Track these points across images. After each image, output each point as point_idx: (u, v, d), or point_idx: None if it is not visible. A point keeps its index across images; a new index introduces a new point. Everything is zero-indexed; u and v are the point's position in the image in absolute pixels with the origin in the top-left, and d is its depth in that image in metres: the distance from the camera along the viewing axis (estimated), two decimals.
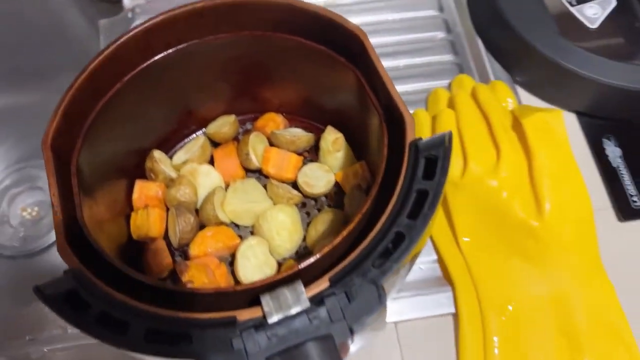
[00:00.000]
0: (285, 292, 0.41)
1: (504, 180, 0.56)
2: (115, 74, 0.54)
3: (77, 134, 0.51)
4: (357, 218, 0.45)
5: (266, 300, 0.40)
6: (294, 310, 0.39)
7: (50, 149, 0.47)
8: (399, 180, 0.44)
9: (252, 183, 0.61)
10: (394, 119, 0.49)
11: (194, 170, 0.61)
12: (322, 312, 0.39)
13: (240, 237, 0.58)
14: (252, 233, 0.59)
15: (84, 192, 0.49)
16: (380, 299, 0.40)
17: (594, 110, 0.65)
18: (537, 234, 0.55)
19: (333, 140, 0.60)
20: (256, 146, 0.62)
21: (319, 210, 0.61)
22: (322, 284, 0.41)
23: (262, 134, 0.64)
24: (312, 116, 0.66)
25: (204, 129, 0.67)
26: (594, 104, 0.65)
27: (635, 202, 0.59)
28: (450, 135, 0.45)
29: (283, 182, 0.61)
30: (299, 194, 0.59)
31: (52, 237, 0.63)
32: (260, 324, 0.39)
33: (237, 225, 0.60)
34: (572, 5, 0.70)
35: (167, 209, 0.61)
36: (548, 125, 0.58)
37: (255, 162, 0.61)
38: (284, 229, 0.56)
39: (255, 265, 0.55)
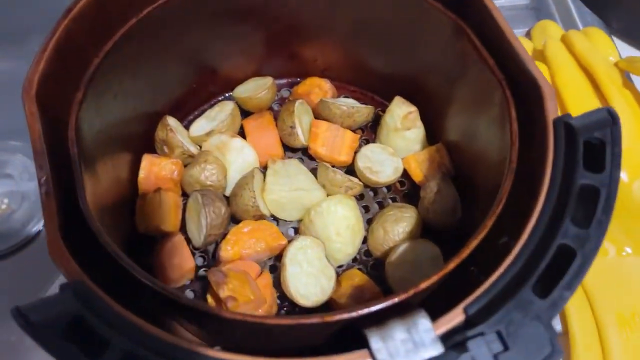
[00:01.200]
0: (401, 329, 0.28)
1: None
2: (129, 4, 0.39)
3: (77, 83, 0.36)
4: (490, 221, 0.32)
5: (376, 340, 0.27)
6: (421, 358, 0.27)
7: (36, 100, 0.32)
8: (546, 171, 0.32)
9: (297, 165, 0.47)
10: (519, 86, 0.36)
11: (222, 145, 0.46)
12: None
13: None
14: (296, 232, 0.46)
15: (86, 167, 0.35)
16: (553, 346, 0.27)
17: None
18: None
19: (404, 115, 0.47)
20: (302, 118, 0.48)
21: (381, 204, 0.47)
22: (455, 317, 0.28)
23: (306, 103, 0.50)
24: (367, 84, 0.53)
25: (229, 93, 0.52)
26: None
27: None
28: (614, 111, 0.33)
29: (334, 166, 0.47)
30: (360, 183, 0.46)
31: (27, 233, 0.47)
32: None
33: (275, 220, 0.46)
34: None
35: (184, 195, 0.46)
36: None
37: (301, 138, 0.47)
38: (346, 228, 0.43)
39: (309, 274, 0.41)
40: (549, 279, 0.29)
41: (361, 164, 0.46)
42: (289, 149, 0.49)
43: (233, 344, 0.33)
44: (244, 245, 0.42)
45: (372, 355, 0.27)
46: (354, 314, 0.29)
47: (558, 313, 0.29)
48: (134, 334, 0.27)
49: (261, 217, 0.44)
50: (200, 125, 0.48)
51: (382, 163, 0.47)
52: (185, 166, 0.46)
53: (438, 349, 0.27)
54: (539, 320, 0.28)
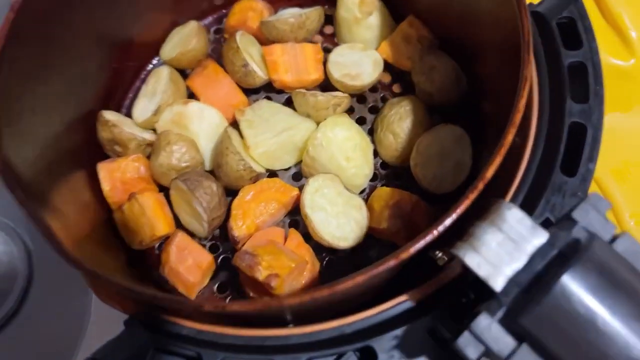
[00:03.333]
0: (491, 230, 0.23)
1: None
2: None
3: None
4: (520, 104, 0.27)
5: (470, 255, 0.23)
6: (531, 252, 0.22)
7: None
8: (527, 56, 0.27)
9: (269, 105, 0.40)
10: None
11: (178, 117, 0.39)
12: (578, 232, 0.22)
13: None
14: (299, 177, 0.40)
15: (40, 204, 0.28)
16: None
17: None
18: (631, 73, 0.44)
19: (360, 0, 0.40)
20: (250, 51, 0.41)
21: (375, 109, 0.42)
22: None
23: (247, 33, 0.42)
24: None
25: (156, 59, 0.44)
26: None
27: None
28: None
29: (309, 89, 0.41)
30: (346, 95, 0.39)
31: None
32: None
33: (275, 174, 0.40)
34: None
35: (162, 190, 0.40)
36: None
37: (260, 73, 0.40)
38: (354, 149, 0.37)
39: (337, 213, 0.36)
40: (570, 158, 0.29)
41: (336, 73, 0.40)
42: (251, 92, 0.42)
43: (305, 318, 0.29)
44: (254, 213, 0.36)
45: (473, 274, 0.23)
46: (432, 235, 0.24)
47: (589, 186, 0.29)
48: (219, 342, 0.23)
49: (257, 177, 0.38)
50: (142, 107, 0.41)
51: (358, 63, 0.41)
52: (148, 158, 0.39)
53: (543, 235, 0.23)
54: (576, 197, 0.26)
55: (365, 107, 0.42)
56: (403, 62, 0.41)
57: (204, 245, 0.38)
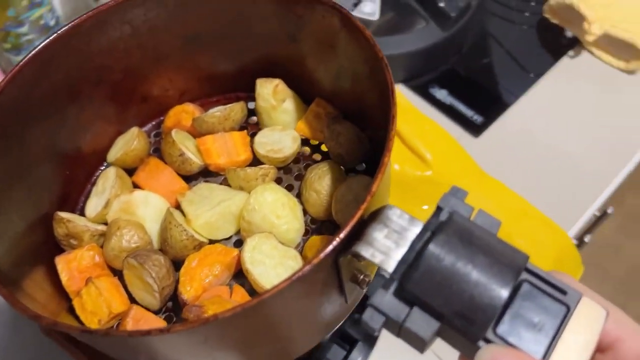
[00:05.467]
0: (377, 227, 0.28)
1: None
2: None
3: None
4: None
5: (364, 248, 0.28)
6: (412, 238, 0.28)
7: None
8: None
9: (206, 186, 0.46)
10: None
11: (125, 205, 0.44)
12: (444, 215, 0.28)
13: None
14: (240, 243, 0.45)
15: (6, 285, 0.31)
16: None
17: (407, 76, 0.77)
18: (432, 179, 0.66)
19: (272, 90, 0.48)
20: (185, 143, 0.47)
21: (300, 176, 0.48)
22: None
23: (181, 130, 0.49)
24: (225, 88, 0.53)
25: (104, 164, 0.50)
26: (404, 72, 0.77)
27: (476, 120, 0.73)
28: None
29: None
30: (271, 166, 0.46)
31: None
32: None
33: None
34: (351, 10, 0.76)
35: (116, 275, 0.43)
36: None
37: (195, 159, 0.47)
38: (282, 207, 0.43)
39: (275, 265, 0.40)
40: None
41: (262, 150, 0.47)
42: (190, 178, 0.48)
43: None
44: (200, 277, 0.40)
45: (371, 263, 0.27)
46: (338, 239, 0.28)
47: None
48: None
49: (200, 245, 0.42)
50: (93, 204, 0.46)
51: (279, 140, 0.47)
52: (101, 247, 0.43)
53: (419, 224, 0.28)
54: None
55: (292, 176, 0.48)
56: (317, 135, 0.48)
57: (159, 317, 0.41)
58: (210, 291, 0.40)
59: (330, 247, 0.28)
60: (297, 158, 0.49)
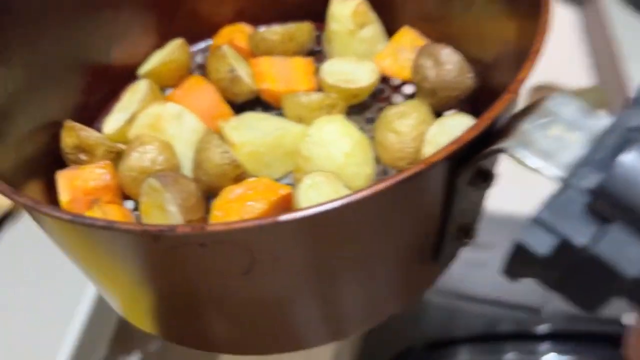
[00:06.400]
0: (538, 123, 0.18)
1: None
2: None
3: None
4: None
5: (526, 154, 0.18)
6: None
7: None
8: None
9: (256, 115, 0.37)
10: None
11: (155, 119, 0.35)
12: None
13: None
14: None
15: None
16: None
17: None
18: None
19: (352, 11, 0.39)
20: (237, 62, 0.38)
21: (372, 120, 0.38)
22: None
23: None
24: (291, 13, 0.43)
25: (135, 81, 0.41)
26: None
27: None
28: None
29: None
30: (339, 97, 0.36)
31: None
32: None
33: None
34: None
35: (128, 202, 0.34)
36: None
37: (247, 80, 0.37)
38: (353, 146, 0.33)
39: None
40: None
41: (330, 79, 0.37)
42: (236, 109, 0.39)
43: None
44: (238, 214, 0.30)
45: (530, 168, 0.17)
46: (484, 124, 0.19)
47: None
48: None
49: (242, 176, 0.33)
50: (115, 119, 0.37)
51: (353, 71, 0.38)
52: (117, 163, 0.34)
53: (603, 117, 0.18)
54: None
55: (363, 118, 0.38)
56: (401, 72, 0.39)
57: None
58: None
59: (459, 144, 0.19)
60: (372, 100, 0.39)
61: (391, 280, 0.26)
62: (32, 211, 0.22)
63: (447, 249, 0.26)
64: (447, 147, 0.20)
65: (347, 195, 0.19)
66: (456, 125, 0.33)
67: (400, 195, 0.21)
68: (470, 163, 0.21)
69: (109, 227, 0.19)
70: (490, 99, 0.35)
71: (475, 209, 0.26)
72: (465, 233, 0.25)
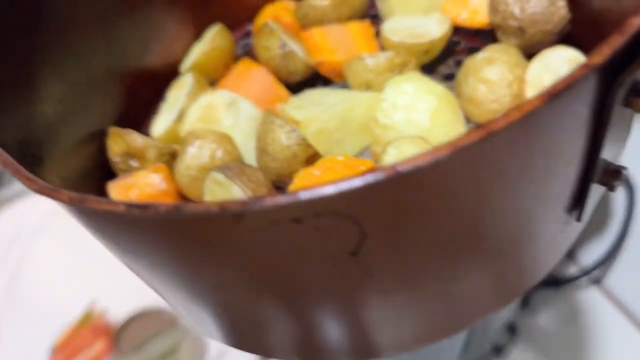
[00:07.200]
0: None
1: None
2: None
3: None
4: None
5: None
6: None
7: None
8: None
9: (315, 92, 0.32)
10: None
11: (207, 111, 0.31)
12: None
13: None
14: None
15: None
16: None
17: None
18: None
19: None
20: (287, 37, 0.34)
21: (451, 77, 0.33)
22: None
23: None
24: None
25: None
26: None
27: None
28: None
29: None
30: (408, 55, 0.31)
31: None
32: None
33: None
34: None
35: None
36: None
37: (302, 55, 0.33)
38: (439, 102, 0.28)
39: None
40: None
41: (395, 37, 0.32)
42: (291, 89, 0.34)
43: None
44: None
45: None
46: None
47: None
48: None
49: (315, 156, 0.28)
50: (163, 119, 0.33)
51: (419, 25, 0.33)
52: (171, 164, 0.30)
53: None
54: None
55: (439, 76, 0.33)
56: (474, 19, 0.33)
57: None
58: None
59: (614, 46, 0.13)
60: (445, 56, 0.34)
61: (526, 247, 0.21)
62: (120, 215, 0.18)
63: (590, 198, 0.20)
64: (600, 51, 0.15)
65: (481, 126, 0.14)
66: (560, 60, 0.27)
67: (541, 125, 0.16)
68: (627, 73, 0.16)
69: (175, 212, 0.14)
70: (590, 31, 0.30)
71: (622, 143, 0.21)
72: (612, 175, 0.20)
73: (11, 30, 0.28)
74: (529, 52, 0.30)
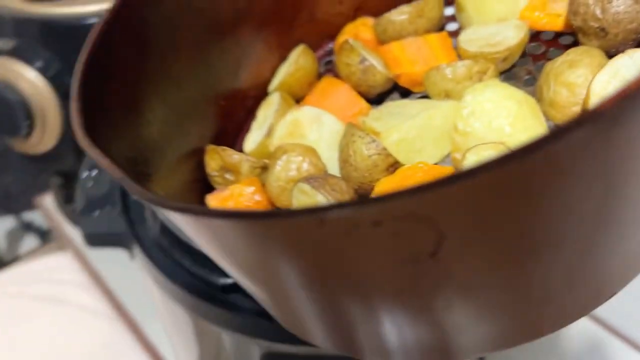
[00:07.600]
0: None
1: None
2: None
3: None
4: None
5: None
6: None
7: None
8: None
9: (395, 104, 0.33)
10: None
11: (293, 127, 0.33)
12: None
13: None
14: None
15: None
16: None
17: None
18: None
19: None
20: (367, 53, 0.35)
21: (531, 82, 0.33)
22: None
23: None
24: None
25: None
26: None
27: None
28: None
29: None
30: (487, 62, 0.32)
31: None
32: None
33: None
34: None
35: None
36: None
37: (381, 68, 0.34)
38: (520, 107, 0.28)
39: None
40: None
41: (472, 48, 0.33)
42: (372, 102, 0.36)
43: None
44: None
45: None
46: None
47: None
48: None
49: (395, 166, 0.29)
50: (254, 136, 0.36)
51: (496, 33, 0.33)
52: (262, 176, 0.32)
53: None
54: None
55: (519, 82, 0.33)
56: (555, 23, 0.33)
57: None
58: None
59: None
60: (524, 62, 0.34)
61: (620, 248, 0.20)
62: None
63: None
64: None
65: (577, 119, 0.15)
66: (625, 65, 0.27)
67: None
68: None
69: (266, 218, 0.16)
70: None
71: None
72: None
73: (122, 64, 0.32)
74: (613, 53, 0.30)
